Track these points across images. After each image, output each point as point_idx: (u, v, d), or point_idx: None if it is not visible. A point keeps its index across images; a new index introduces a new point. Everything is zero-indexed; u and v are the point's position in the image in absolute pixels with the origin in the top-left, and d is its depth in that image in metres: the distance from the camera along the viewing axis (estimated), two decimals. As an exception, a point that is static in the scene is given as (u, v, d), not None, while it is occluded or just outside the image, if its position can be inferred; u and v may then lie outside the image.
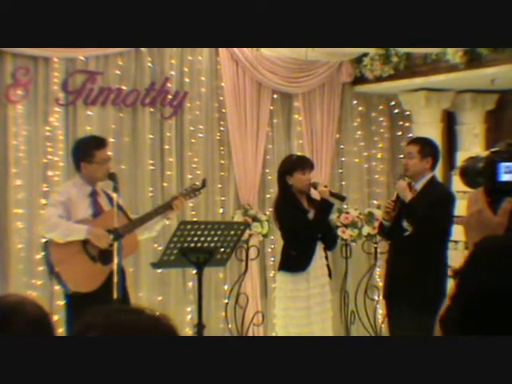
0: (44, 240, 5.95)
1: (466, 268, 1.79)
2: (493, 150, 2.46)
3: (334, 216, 8.14)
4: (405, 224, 6.05)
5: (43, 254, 5.95)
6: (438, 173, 6.96)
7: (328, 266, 6.63)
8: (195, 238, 5.65)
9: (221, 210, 8.19)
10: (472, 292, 1.73)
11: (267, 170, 8.42)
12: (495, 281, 1.71)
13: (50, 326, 2.21)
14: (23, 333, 2.17)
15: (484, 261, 1.77)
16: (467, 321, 1.73)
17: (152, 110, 7.83)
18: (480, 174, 2.45)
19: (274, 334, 7.06)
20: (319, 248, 6.52)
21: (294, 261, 6.44)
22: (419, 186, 6.13)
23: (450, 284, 6.29)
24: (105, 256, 5.68)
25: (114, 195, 5.59)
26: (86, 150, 5.90)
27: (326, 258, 6.63)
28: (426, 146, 6.21)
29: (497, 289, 1.71)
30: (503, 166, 2.37)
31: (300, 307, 6.45)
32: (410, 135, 8.74)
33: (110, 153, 6.13)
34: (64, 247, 5.74)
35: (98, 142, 5.99)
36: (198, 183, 6.30)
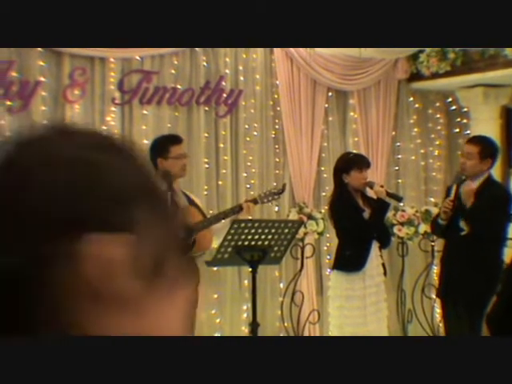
0: None
1: (510, 265, 1.77)
2: None
3: (389, 214, 8.08)
4: (461, 224, 5.97)
5: None
6: (496, 170, 6.85)
7: (383, 264, 6.58)
8: (249, 237, 5.65)
9: (276, 208, 8.17)
10: None
11: (322, 168, 8.38)
12: None
13: None
14: None
15: None
16: (509, 317, 1.72)
17: (207, 108, 7.85)
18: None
19: (329, 334, 7.03)
20: (375, 247, 6.47)
21: (349, 260, 6.39)
22: (475, 185, 6.04)
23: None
24: None
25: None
26: (161, 146, 6.00)
27: (381, 256, 6.57)
28: (486, 147, 6.09)
29: None
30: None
31: (355, 306, 6.40)
32: (468, 132, 8.63)
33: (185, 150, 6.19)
34: None
35: (173, 138, 6.17)
36: (277, 187, 6.37)
